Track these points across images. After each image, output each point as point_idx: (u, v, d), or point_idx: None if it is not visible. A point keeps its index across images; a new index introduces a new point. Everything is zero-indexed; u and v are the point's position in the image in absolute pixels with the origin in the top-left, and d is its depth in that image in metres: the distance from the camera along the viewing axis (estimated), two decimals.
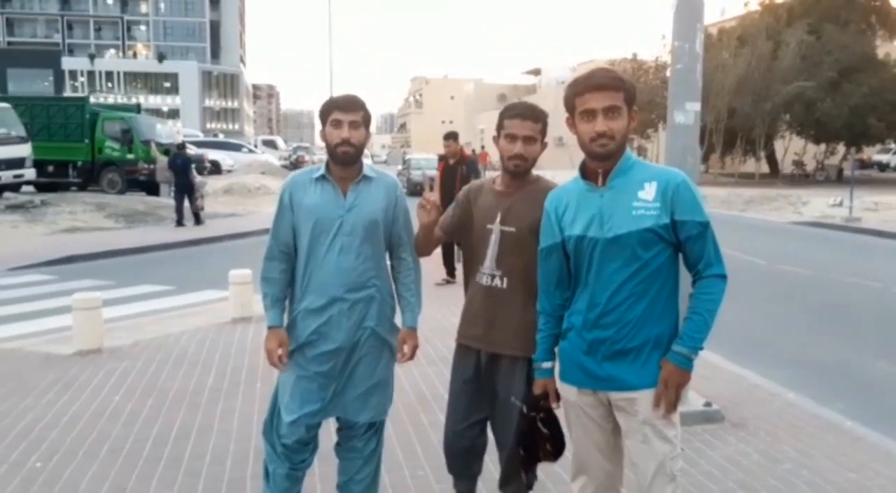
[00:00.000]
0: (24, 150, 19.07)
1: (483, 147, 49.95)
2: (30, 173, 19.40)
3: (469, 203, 2.93)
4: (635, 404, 2.33)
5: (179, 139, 22.71)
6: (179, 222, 15.47)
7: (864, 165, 37.66)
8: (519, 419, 2.69)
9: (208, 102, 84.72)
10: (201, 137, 40.51)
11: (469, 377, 2.89)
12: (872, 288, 9.54)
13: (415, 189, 22.18)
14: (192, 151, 22.90)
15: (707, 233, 2.32)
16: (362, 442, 3.01)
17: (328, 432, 3.21)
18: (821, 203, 20.73)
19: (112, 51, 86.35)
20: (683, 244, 2.34)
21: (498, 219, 2.80)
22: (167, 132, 24.05)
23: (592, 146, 2.33)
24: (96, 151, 21.62)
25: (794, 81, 30.90)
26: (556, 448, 2.65)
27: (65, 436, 4.22)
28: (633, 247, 2.29)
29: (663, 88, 29.07)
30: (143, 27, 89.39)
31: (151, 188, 20.89)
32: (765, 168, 38.05)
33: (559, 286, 2.49)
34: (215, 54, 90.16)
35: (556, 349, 2.53)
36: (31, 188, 20.65)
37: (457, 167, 8.75)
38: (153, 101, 74.54)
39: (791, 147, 36.90)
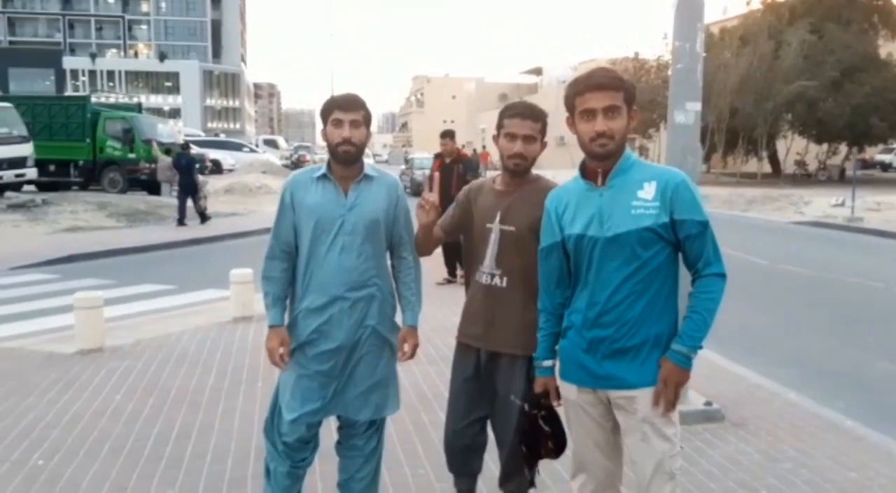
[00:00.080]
0: (26, 149, 19.11)
1: (484, 146, 49.88)
2: (31, 173, 19.43)
3: (469, 203, 2.95)
4: (635, 402, 2.34)
5: (182, 139, 22.75)
6: (181, 222, 15.46)
7: (867, 164, 37.58)
8: (520, 416, 2.71)
9: (209, 102, 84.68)
10: (202, 137, 40.57)
11: (469, 376, 2.90)
12: (874, 288, 9.53)
13: (418, 189, 22.11)
14: (193, 150, 22.91)
15: (706, 232, 2.33)
16: (363, 441, 3.02)
17: (329, 430, 3.22)
18: (823, 203, 20.68)
19: (113, 50, 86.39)
20: (683, 243, 2.34)
21: (497, 218, 2.81)
22: (168, 132, 24.09)
23: (592, 146, 2.33)
24: (98, 150, 21.66)
25: (797, 81, 30.84)
26: (557, 446, 2.66)
27: (66, 435, 4.23)
28: (633, 246, 2.30)
29: (665, 87, 28.92)
30: (144, 26, 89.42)
31: (153, 188, 20.94)
32: (767, 168, 38.00)
33: (560, 285, 2.50)
34: (216, 53, 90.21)
35: (557, 348, 2.53)
36: (32, 188, 20.67)
37: (453, 166, 8.65)
38: (154, 100, 74.60)
39: (793, 147, 36.86)
